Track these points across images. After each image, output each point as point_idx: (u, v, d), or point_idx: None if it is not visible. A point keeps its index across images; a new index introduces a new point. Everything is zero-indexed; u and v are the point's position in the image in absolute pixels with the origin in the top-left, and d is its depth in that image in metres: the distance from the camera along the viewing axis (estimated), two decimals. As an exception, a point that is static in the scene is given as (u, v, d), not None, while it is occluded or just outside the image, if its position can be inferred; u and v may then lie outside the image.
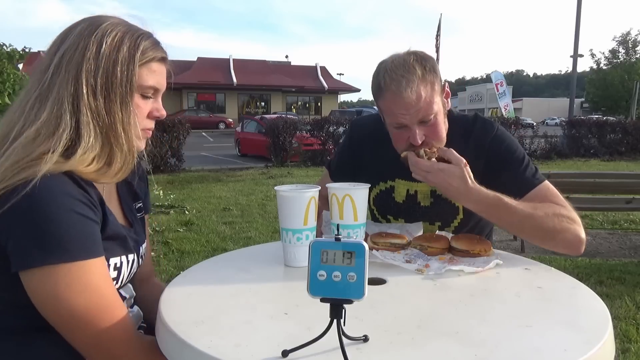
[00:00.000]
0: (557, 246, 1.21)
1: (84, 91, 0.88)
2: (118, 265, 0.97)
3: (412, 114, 1.25)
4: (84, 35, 0.90)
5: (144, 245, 1.10)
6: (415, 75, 1.23)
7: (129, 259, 1.00)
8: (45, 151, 0.84)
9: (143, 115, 0.98)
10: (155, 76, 0.98)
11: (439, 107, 1.29)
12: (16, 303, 0.87)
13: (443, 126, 1.32)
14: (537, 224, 1.19)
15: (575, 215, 1.23)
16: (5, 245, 0.81)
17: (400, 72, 1.23)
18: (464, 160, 1.18)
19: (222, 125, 30.17)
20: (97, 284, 0.85)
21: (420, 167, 1.20)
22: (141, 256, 1.08)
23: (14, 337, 0.90)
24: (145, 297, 1.14)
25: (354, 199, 1.16)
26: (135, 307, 1.10)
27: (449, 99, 1.35)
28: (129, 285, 1.06)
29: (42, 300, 0.83)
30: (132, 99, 0.93)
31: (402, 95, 1.22)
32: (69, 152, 0.87)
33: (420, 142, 1.27)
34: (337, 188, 1.17)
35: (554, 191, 1.30)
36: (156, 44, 0.97)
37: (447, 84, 1.34)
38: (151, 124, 1.01)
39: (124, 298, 1.01)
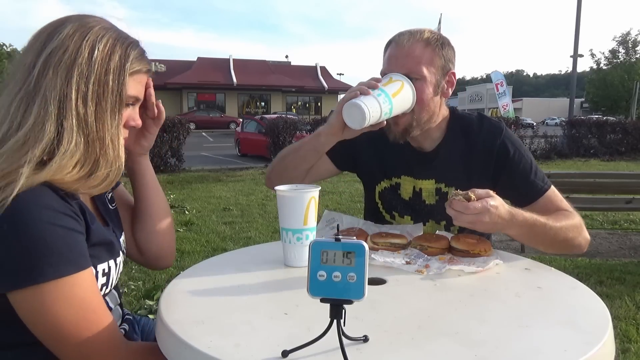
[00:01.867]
0: (572, 251, 1.28)
1: (73, 96, 0.86)
2: (106, 270, 0.96)
3: (398, 65, 1.29)
4: (74, 37, 0.87)
5: (122, 236, 1.09)
6: (421, 36, 1.31)
7: (116, 262, 1.00)
8: (19, 166, 0.81)
9: (121, 125, 0.96)
10: (139, 87, 0.98)
11: (430, 78, 1.30)
12: (2, 319, 0.86)
13: (428, 99, 1.31)
14: (563, 237, 1.24)
15: (580, 217, 1.30)
16: None
17: (411, 30, 1.33)
18: (488, 190, 1.11)
19: (233, 125, 30.29)
20: (83, 297, 0.84)
21: (472, 210, 1.06)
22: (123, 250, 1.07)
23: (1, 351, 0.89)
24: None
25: (403, 86, 1.24)
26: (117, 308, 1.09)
27: (450, 89, 1.36)
28: (114, 292, 1.06)
29: (30, 316, 0.82)
30: (122, 109, 0.92)
31: (398, 43, 1.31)
32: (46, 159, 0.84)
33: None
34: (397, 74, 1.26)
35: (559, 195, 1.36)
36: (143, 54, 0.97)
37: (454, 73, 1.35)
38: (127, 134, 1.00)
39: (110, 308, 1.00)
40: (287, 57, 55.67)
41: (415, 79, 1.28)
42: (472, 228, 1.11)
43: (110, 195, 1.10)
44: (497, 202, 1.09)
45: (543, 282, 1.04)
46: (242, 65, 38.34)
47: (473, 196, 1.09)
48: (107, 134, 0.90)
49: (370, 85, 1.19)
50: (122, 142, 0.94)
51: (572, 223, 1.26)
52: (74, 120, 0.86)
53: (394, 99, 1.21)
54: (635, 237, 5.00)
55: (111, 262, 0.97)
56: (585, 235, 1.28)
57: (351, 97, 1.18)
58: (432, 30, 1.35)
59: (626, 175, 5.55)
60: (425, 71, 1.29)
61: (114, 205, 1.11)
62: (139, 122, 1.01)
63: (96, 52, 0.88)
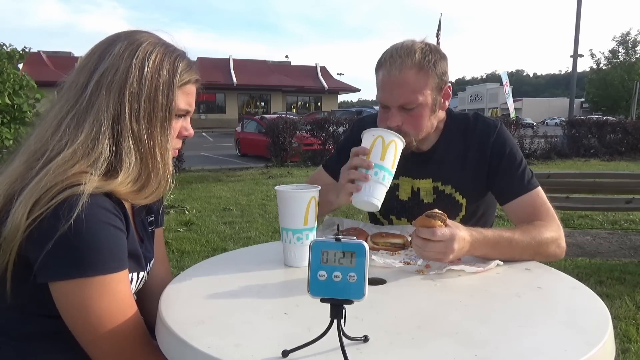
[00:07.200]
0: (546, 260, 1.20)
1: (127, 115, 0.89)
2: (131, 279, 0.97)
3: (393, 96, 1.27)
4: (123, 56, 0.90)
5: (152, 262, 1.10)
6: (412, 60, 1.24)
7: (139, 276, 1.01)
8: (82, 172, 0.84)
9: (173, 136, 0.99)
10: (188, 98, 0.99)
11: (427, 101, 1.28)
12: (25, 309, 0.88)
13: (426, 121, 1.31)
14: (533, 251, 1.17)
15: (558, 226, 1.24)
16: (33, 257, 0.81)
17: (401, 53, 1.25)
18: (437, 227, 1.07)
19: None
20: (125, 293, 0.88)
21: (440, 237, 1.04)
22: (147, 273, 1.08)
23: (15, 342, 0.90)
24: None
25: (397, 147, 1.16)
26: None
27: (447, 101, 1.35)
28: None
29: (72, 308, 0.84)
30: (171, 123, 0.95)
31: (390, 73, 1.25)
32: (108, 174, 0.88)
33: (395, 125, 1.27)
34: (384, 130, 1.17)
35: (543, 199, 1.30)
36: (190, 65, 0.98)
37: (449, 85, 1.34)
38: (179, 144, 1.03)
39: None
40: (287, 57, 55.72)
41: (411, 108, 1.27)
42: (440, 260, 1.06)
43: (150, 219, 1.12)
44: (457, 231, 1.06)
45: (543, 282, 1.05)
46: (242, 65, 38.27)
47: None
48: (157, 149, 0.93)
49: (364, 166, 1.13)
50: (170, 154, 0.97)
51: (545, 237, 1.18)
52: (130, 140, 0.89)
53: (394, 168, 1.17)
54: (635, 237, 5.00)
55: (134, 274, 0.98)
56: (561, 244, 1.21)
57: (352, 188, 1.14)
58: (423, 44, 1.28)
59: (626, 175, 5.54)
60: (420, 98, 1.26)
61: (152, 227, 1.13)
62: (191, 132, 1.04)
63: (146, 69, 0.90)
